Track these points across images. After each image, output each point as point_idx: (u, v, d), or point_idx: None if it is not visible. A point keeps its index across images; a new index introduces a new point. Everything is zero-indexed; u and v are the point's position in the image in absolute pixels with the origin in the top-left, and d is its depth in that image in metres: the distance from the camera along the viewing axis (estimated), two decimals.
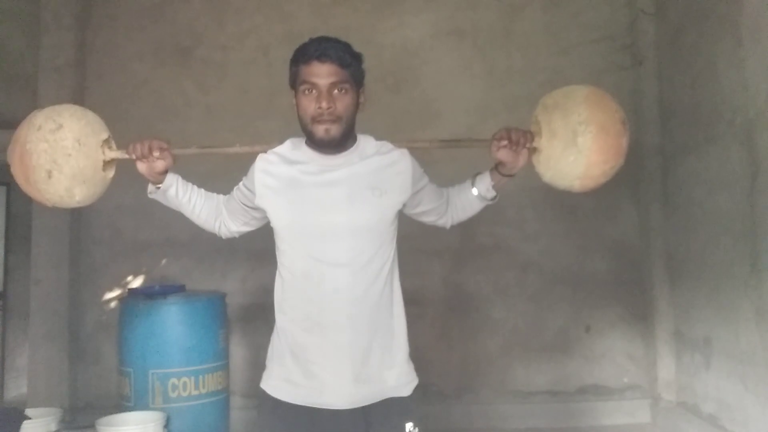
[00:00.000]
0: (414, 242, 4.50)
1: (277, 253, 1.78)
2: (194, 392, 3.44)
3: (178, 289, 3.80)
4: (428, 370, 4.30)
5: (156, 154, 1.73)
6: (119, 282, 4.48)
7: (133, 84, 4.62)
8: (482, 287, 4.47)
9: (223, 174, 4.84)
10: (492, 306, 4.46)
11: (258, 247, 4.57)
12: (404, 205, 1.76)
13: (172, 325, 3.47)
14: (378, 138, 1.82)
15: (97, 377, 4.40)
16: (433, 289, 4.45)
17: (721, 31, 3.45)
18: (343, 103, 1.61)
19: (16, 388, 5.48)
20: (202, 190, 1.94)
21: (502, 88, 4.55)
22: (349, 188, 1.64)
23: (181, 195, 1.85)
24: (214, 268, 4.47)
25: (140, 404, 3.38)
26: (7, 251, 5.19)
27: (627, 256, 4.45)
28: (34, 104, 4.48)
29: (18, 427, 3.06)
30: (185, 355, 3.44)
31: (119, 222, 4.51)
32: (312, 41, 1.65)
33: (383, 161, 1.72)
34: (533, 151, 1.74)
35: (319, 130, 1.61)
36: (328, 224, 1.63)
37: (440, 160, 4.56)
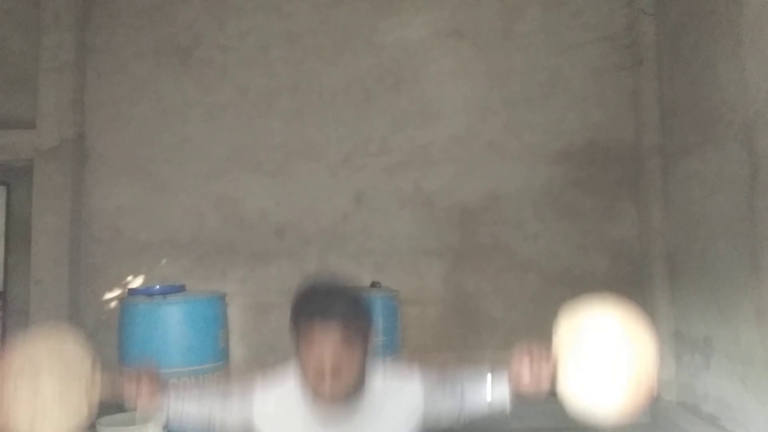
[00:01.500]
0: (414, 242, 4.53)
1: None
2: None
3: (178, 289, 3.80)
4: (428, 370, 4.31)
5: (145, 395, 1.62)
6: (119, 282, 4.48)
7: (133, 84, 4.62)
8: (482, 287, 4.47)
9: (223, 173, 4.87)
10: (492, 306, 4.46)
11: (258, 248, 4.59)
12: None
13: (172, 325, 3.47)
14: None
15: None
16: (433, 289, 4.45)
17: (721, 31, 3.45)
18: (349, 367, 1.45)
19: None
20: (195, 404, 1.72)
21: (502, 88, 4.55)
22: None
23: (172, 415, 1.70)
24: (214, 268, 4.47)
25: None
26: (7, 251, 5.18)
27: (627, 256, 4.45)
28: (35, 104, 4.49)
29: None
30: (185, 355, 3.44)
31: (119, 222, 4.51)
32: (316, 304, 1.47)
33: (391, 402, 1.58)
34: (555, 375, 1.58)
35: (322, 398, 1.48)
36: None
37: (441, 161, 4.57)
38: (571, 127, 4.51)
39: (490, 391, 1.65)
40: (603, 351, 1.54)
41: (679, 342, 4.11)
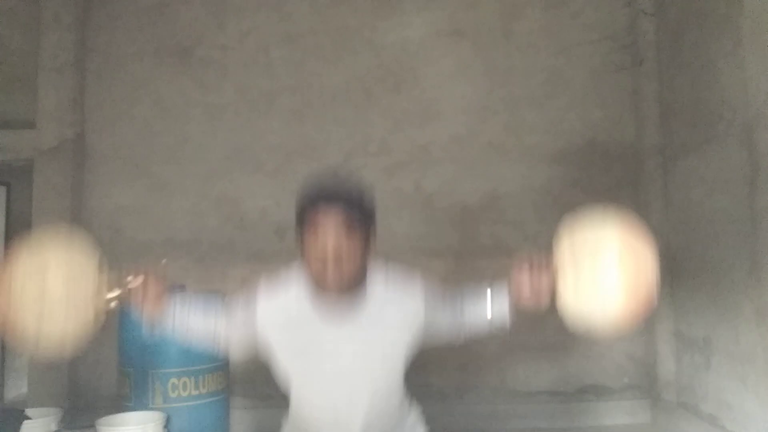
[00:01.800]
0: (414, 242, 4.53)
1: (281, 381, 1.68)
2: (194, 392, 3.43)
3: (178, 289, 3.80)
4: (428, 370, 4.31)
5: (151, 296, 1.68)
6: (119, 282, 4.47)
7: (133, 84, 4.62)
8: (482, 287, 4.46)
9: (223, 174, 4.88)
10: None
11: (258, 247, 4.59)
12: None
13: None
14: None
15: (97, 377, 4.40)
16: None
17: (721, 31, 3.45)
18: (351, 255, 1.50)
19: (16, 388, 5.48)
20: (201, 313, 1.76)
21: (502, 88, 4.55)
22: (358, 334, 1.57)
23: (178, 324, 1.74)
24: (214, 268, 4.47)
25: (140, 404, 3.37)
26: (7, 251, 5.19)
27: None
28: (34, 104, 4.48)
29: (18, 427, 3.05)
30: (185, 355, 3.44)
31: (119, 222, 4.51)
32: (321, 191, 1.54)
33: (393, 306, 1.62)
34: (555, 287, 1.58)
35: (326, 283, 1.51)
36: (335, 372, 1.58)
37: (441, 161, 4.57)
38: (571, 127, 4.51)
39: (490, 307, 1.68)
40: (602, 261, 1.55)
41: (679, 342, 4.12)
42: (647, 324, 4.35)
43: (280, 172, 4.52)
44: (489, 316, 1.68)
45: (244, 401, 4.14)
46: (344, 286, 1.52)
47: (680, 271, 4.07)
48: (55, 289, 1.56)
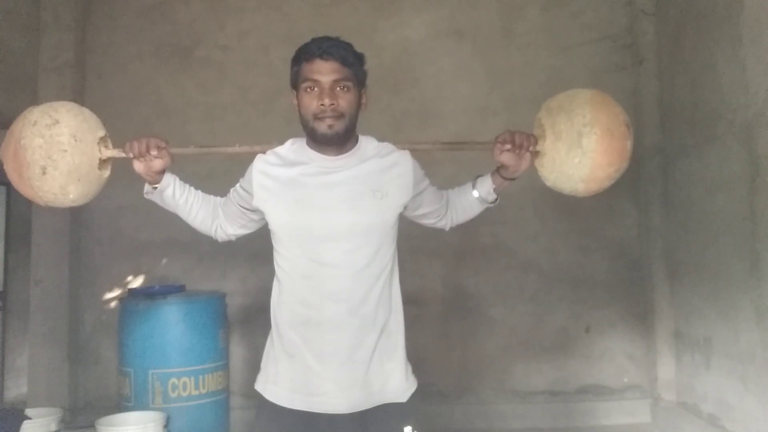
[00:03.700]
0: (414, 242, 4.52)
1: (274, 255, 1.74)
2: (194, 392, 3.44)
3: (178, 289, 3.80)
4: (428, 370, 4.30)
5: (154, 152, 1.69)
6: (119, 282, 4.48)
7: (133, 84, 4.62)
8: (482, 287, 4.47)
9: (223, 174, 4.84)
10: (492, 306, 4.46)
11: (258, 247, 4.56)
12: (405, 207, 1.74)
13: (172, 325, 3.47)
14: (379, 139, 1.80)
15: (97, 377, 4.40)
16: (433, 289, 4.45)
17: (721, 31, 3.45)
18: (345, 100, 1.60)
19: (16, 388, 5.47)
20: (200, 192, 1.90)
21: (502, 88, 4.55)
22: (350, 191, 1.63)
23: (178, 196, 1.81)
24: (214, 268, 4.47)
25: (140, 404, 3.38)
26: (7, 251, 5.19)
27: (627, 256, 4.45)
28: (34, 104, 4.48)
29: (18, 427, 3.05)
30: (185, 355, 3.44)
31: (119, 222, 4.51)
32: (314, 40, 1.64)
33: (384, 163, 1.70)
34: (536, 154, 1.72)
35: (322, 126, 1.60)
36: (327, 227, 1.62)
37: (441, 161, 4.57)
38: None
39: (475, 186, 1.89)
40: (576, 123, 1.69)
41: (679, 342, 4.12)
42: (647, 324, 4.36)
43: None
44: (476, 195, 1.86)
45: (244, 401, 4.14)
46: (339, 136, 1.61)
47: (680, 271, 4.07)
48: (62, 141, 1.62)
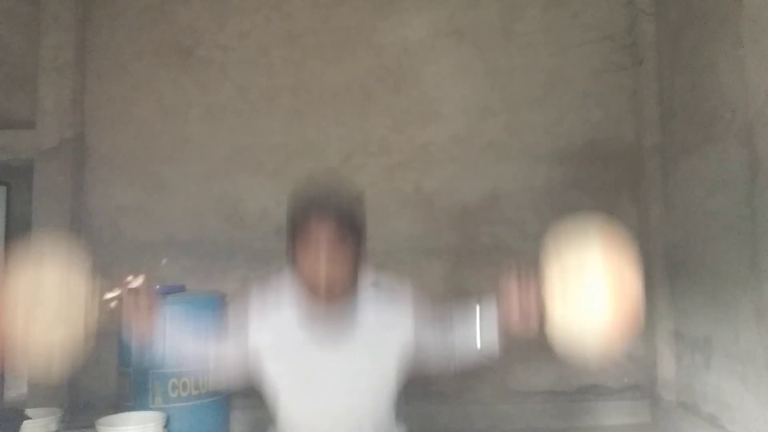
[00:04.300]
0: (414, 242, 4.53)
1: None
2: (194, 392, 3.44)
3: (178, 289, 3.80)
4: (428, 370, 4.31)
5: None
6: (119, 282, 4.47)
7: (133, 84, 4.62)
8: (482, 287, 4.46)
9: (223, 173, 4.87)
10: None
11: (258, 247, 4.59)
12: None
13: (172, 324, 3.46)
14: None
15: (97, 377, 4.40)
16: (433, 289, 4.44)
17: (721, 31, 3.45)
18: (343, 264, 1.53)
19: (16, 388, 5.47)
20: (191, 341, 1.81)
21: (502, 88, 4.55)
22: (349, 363, 1.59)
23: (170, 350, 1.78)
24: (214, 268, 4.47)
25: (140, 404, 3.37)
26: (7, 251, 5.19)
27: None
28: (35, 104, 4.48)
29: (18, 427, 3.05)
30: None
31: (119, 222, 4.51)
32: (310, 200, 1.56)
33: (384, 336, 1.64)
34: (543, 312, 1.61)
35: (318, 294, 1.54)
36: (326, 399, 1.60)
37: (442, 161, 4.57)
38: (571, 127, 4.51)
39: (480, 333, 1.73)
40: (588, 283, 1.56)
41: (679, 342, 4.12)
42: (647, 324, 4.35)
43: (280, 172, 4.52)
44: (478, 347, 1.71)
45: (244, 401, 4.13)
46: (336, 295, 1.54)
47: (680, 270, 4.07)
48: (50, 299, 1.57)
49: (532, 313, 1.59)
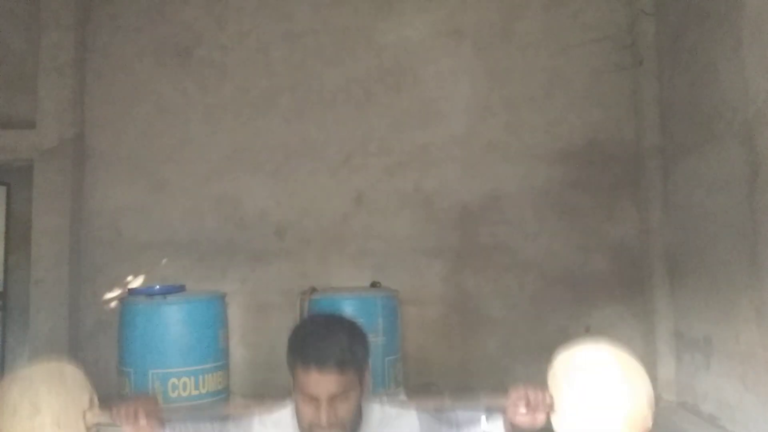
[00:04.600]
0: (414, 242, 4.53)
1: None
2: (194, 392, 3.43)
3: (178, 289, 3.80)
4: (428, 370, 4.31)
5: (143, 422, 1.58)
6: (119, 282, 4.48)
7: (133, 84, 4.62)
8: (482, 287, 4.47)
9: (223, 173, 4.86)
10: (492, 306, 4.46)
11: (258, 247, 4.59)
12: None
13: (172, 325, 3.47)
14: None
15: (97, 377, 4.39)
16: (433, 289, 4.45)
17: (721, 31, 3.45)
18: (344, 409, 1.46)
19: None
20: None
21: (502, 88, 4.55)
22: None
23: None
24: (214, 268, 4.47)
25: None
26: (7, 251, 5.19)
27: (627, 256, 4.45)
28: (35, 104, 4.49)
29: None
30: (185, 355, 3.44)
31: (119, 222, 4.51)
32: (311, 345, 1.47)
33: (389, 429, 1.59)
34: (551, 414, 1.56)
35: None
36: None
37: (443, 160, 4.57)
38: (571, 127, 4.51)
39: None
40: (597, 391, 1.52)
41: (679, 342, 4.12)
42: (647, 324, 4.36)
43: (280, 172, 4.52)
44: None
45: (244, 401, 4.13)
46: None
47: (680, 271, 4.07)
48: (47, 417, 1.55)
49: (539, 416, 1.52)
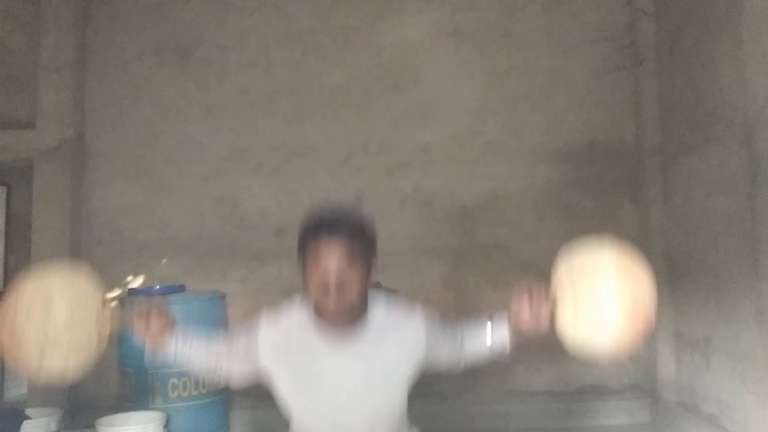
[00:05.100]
0: (414, 242, 4.53)
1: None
2: (194, 392, 3.44)
3: (178, 289, 3.80)
4: (428, 369, 4.31)
5: (154, 322, 1.65)
6: (119, 282, 4.48)
7: (133, 84, 4.62)
8: (482, 287, 4.47)
9: (223, 173, 4.87)
10: (492, 306, 4.44)
11: (258, 247, 4.59)
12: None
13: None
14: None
15: (97, 377, 4.39)
16: (433, 289, 4.45)
17: (721, 31, 3.45)
18: (352, 290, 1.51)
19: (16, 388, 5.48)
20: (202, 345, 1.75)
21: (502, 88, 4.55)
22: (362, 377, 1.58)
23: (180, 354, 1.72)
24: (214, 268, 4.47)
25: (140, 404, 3.37)
26: (7, 251, 5.19)
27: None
28: (35, 104, 4.48)
29: (18, 427, 3.05)
30: None
31: (119, 222, 4.51)
32: (322, 219, 1.55)
33: (394, 333, 1.63)
34: (554, 313, 1.63)
35: (327, 316, 1.54)
36: (338, 415, 1.59)
37: (441, 160, 4.57)
38: (571, 127, 4.51)
39: (490, 335, 1.75)
40: (600, 286, 1.59)
41: (679, 342, 4.12)
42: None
43: (280, 172, 4.52)
44: (489, 344, 1.74)
45: (244, 401, 4.13)
46: (346, 315, 1.53)
47: (680, 271, 4.07)
48: (60, 319, 1.57)
49: (543, 314, 1.62)
